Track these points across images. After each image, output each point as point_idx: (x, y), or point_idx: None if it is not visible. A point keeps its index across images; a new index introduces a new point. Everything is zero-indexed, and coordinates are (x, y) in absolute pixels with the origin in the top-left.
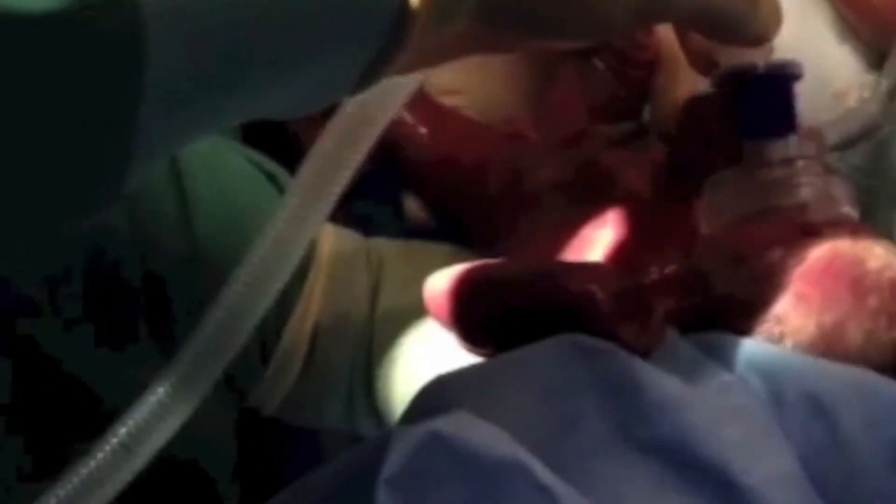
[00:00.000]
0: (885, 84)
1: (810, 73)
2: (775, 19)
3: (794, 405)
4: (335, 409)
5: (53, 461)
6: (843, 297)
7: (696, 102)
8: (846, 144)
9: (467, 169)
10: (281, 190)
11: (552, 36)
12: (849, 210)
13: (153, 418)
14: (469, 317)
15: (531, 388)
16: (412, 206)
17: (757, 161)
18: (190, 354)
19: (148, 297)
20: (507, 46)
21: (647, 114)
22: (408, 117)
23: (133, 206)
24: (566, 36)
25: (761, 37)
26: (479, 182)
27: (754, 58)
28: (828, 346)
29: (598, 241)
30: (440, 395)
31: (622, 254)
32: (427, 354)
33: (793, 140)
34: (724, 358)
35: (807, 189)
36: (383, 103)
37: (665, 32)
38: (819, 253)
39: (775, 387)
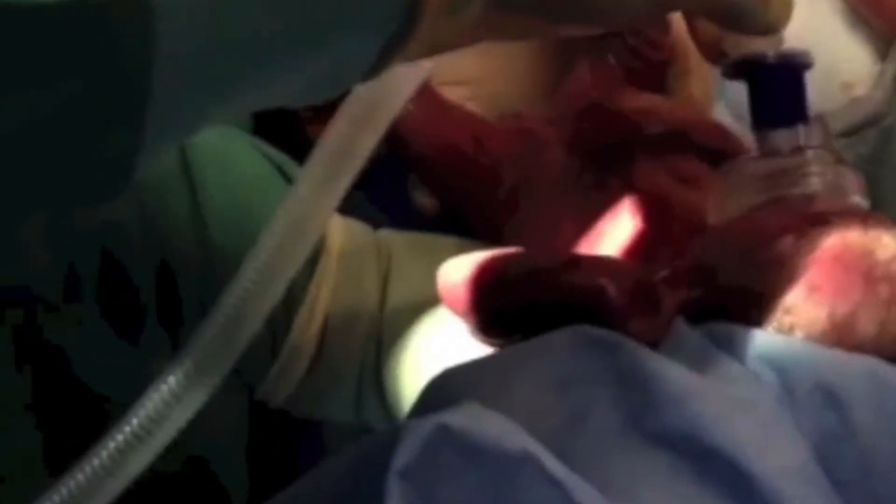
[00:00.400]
0: (891, 72)
1: (818, 64)
2: (786, 8)
3: (806, 396)
4: (344, 401)
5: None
6: (854, 288)
7: None
8: (852, 132)
9: (476, 166)
10: (290, 180)
11: (567, 22)
12: (859, 199)
13: (164, 409)
14: (482, 307)
15: (541, 380)
16: (421, 197)
17: (767, 151)
18: (200, 345)
19: (159, 291)
20: (521, 33)
21: None
22: (414, 113)
23: (143, 200)
24: (581, 22)
25: (772, 26)
26: (490, 179)
27: (764, 47)
28: (839, 336)
29: (608, 233)
30: (450, 387)
31: (633, 246)
32: (437, 346)
33: (803, 129)
34: (734, 349)
35: (816, 179)
36: (394, 91)
37: (680, 30)
38: (829, 243)
39: (786, 378)
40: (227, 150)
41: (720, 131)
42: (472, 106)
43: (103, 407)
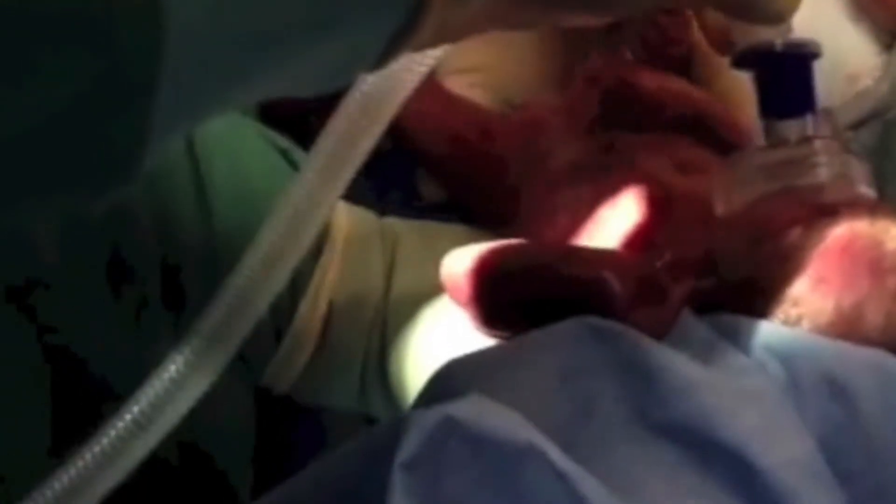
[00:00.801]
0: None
1: (823, 56)
2: None
3: (813, 388)
4: (348, 388)
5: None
6: (861, 279)
7: None
8: (858, 125)
9: (482, 156)
10: (295, 167)
11: (573, 10)
12: (866, 190)
13: (166, 396)
14: (484, 299)
15: (547, 372)
16: (426, 185)
17: (774, 140)
18: (203, 331)
19: (164, 276)
20: (531, 21)
21: None
22: (420, 105)
23: (151, 187)
24: (587, 9)
25: (779, 15)
26: (496, 170)
27: (772, 36)
28: (847, 328)
29: (614, 223)
30: (455, 378)
31: (638, 236)
32: (441, 336)
33: (810, 119)
34: (740, 340)
35: (824, 169)
36: (401, 80)
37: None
38: (837, 234)
39: (793, 369)
40: (232, 137)
41: (733, 121)
42: (479, 93)
43: (105, 394)
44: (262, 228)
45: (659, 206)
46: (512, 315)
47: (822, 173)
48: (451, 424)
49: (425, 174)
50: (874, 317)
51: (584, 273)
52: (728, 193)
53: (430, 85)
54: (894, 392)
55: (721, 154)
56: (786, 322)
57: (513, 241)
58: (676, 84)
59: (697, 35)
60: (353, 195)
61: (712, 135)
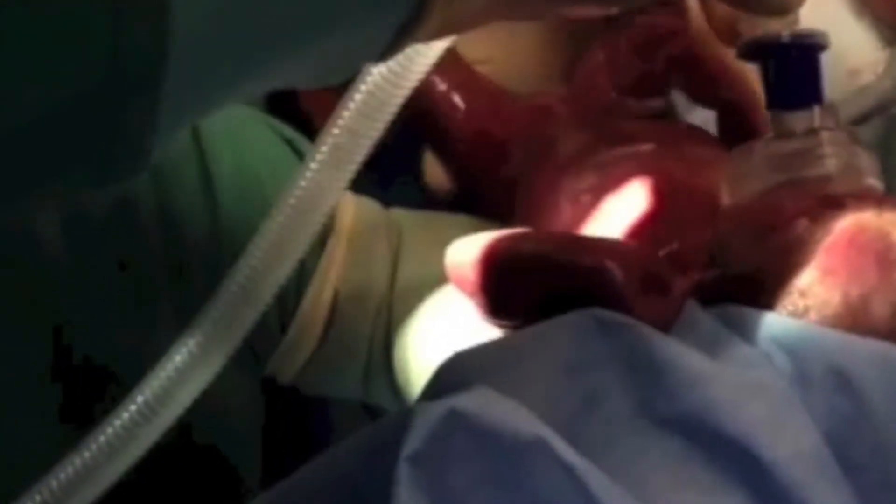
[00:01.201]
0: None
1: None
2: None
3: (819, 380)
4: (353, 379)
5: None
6: (868, 271)
7: None
8: (860, 120)
9: (497, 140)
10: (301, 157)
11: (578, 1)
12: (874, 181)
13: (171, 385)
14: (490, 289)
15: (552, 364)
16: (433, 174)
17: (781, 132)
18: (209, 321)
19: (170, 265)
20: (537, 12)
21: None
22: (441, 83)
23: (157, 176)
24: (591, 1)
25: (786, 6)
26: (504, 156)
27: (779, 28)
28: (853, 320)
29: (619, 214)
30: (460, 370)
31: (643, 228)
32: (446, 326)
33: (817, 110)
34: (746, 332)
35: (831, 160)
36: (407, 72)
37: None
38: (844, 226)
39: (799, 361)
40: (238, 126)
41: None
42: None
43: (107, 383)
44: (268, 218)
45: (664, 198)
46: (519, 305)
47: (830, 164)
48: (457, 417)
49: (433, 161)
50: (881, 309)
51: (586, 262)
52: (734, 185)
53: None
54: None
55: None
56: (792, 314)
57: (519, 230)
58: (737, 66)
59: (697, 28)
60: (358, 185)
61: (744, 126)
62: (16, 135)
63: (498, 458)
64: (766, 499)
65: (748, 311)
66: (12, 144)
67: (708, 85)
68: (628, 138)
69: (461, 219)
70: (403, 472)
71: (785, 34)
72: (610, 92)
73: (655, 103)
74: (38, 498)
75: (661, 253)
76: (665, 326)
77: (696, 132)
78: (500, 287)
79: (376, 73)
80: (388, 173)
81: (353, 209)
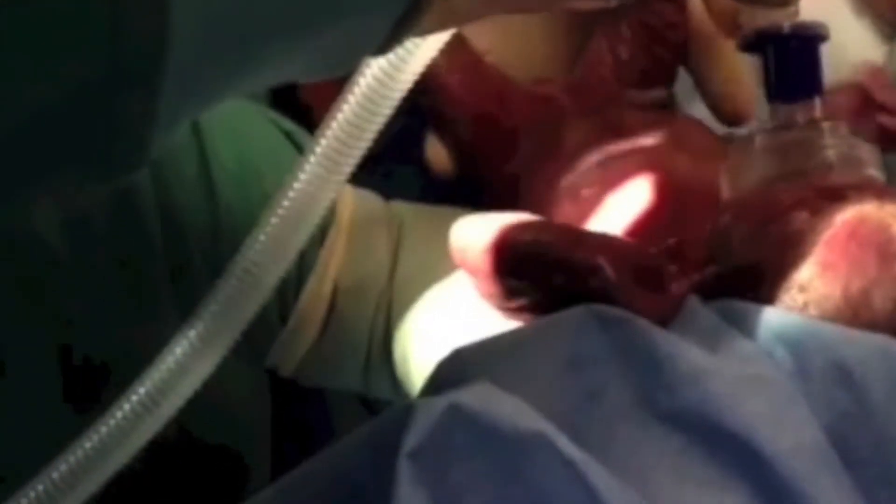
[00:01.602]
0: None
1: (827, 47)
2: None
3: (820, 374)
4: (353, 370)
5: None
6: (869, 265)
7: None
8: None
9: (501, 125)
10: (300, 150)
11: None
12: (875, 172)
13: (172, 377)
14: (493, 274)
15: (553, 360)
16: (436, 160)
17: (781, 123)
18: (209, 313)
19: (171, 265)
20: (535, 5)
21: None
22: (446, 67)
23: (157, 169)
24: None
25: None
26: (509, 143)
27: (780, 19)
28: (854, 313)
29: (621, 208)
30: (461, 366)
31: (644, 224)
32: (447, 318)
33: (818, 102)
34: (747, 327)
35: (832, 151)
36: (407, 65)
37: (699, 9)
38: (844, 219)
39: (800, 355)
40: (237, 119)
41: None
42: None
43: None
44: (267, 211)
45: (666, 192)
46: (521, 292)
47: (830, 155)
48: (458, 413)
49: (436, 146)
50: (882, 302)
51: (580, 257)
52: (734, 177)
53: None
54: None
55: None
56: (792, 308)
57: (523, 216)
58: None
59: (697, 20)
60: (359, 174)
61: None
62: (16, 131)
63: (499, 453)
64: (766, 492)
65: (748, 306)
66: (12, 140)
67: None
68: (631, 130)
69: (462, 212)
70: (404, 467)
71: (785, 25)
72: (612, 82)
73: (657, 94)
74: (40, 488)
75: (662, 248)
76: (661, 322)
77: (697, 125)
78: (503, 274)
79: (376, 66)
80: (388, 162)
81: (353, 202)
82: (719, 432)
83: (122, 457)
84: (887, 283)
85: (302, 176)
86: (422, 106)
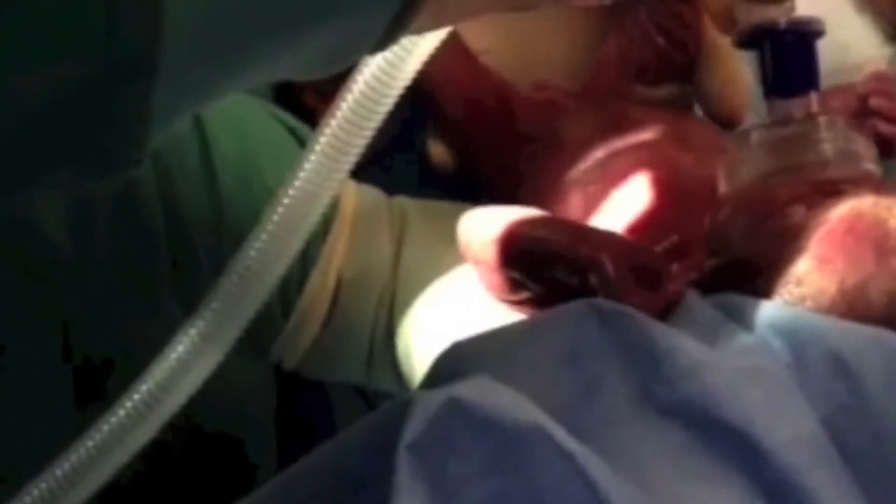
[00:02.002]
0: None
1: (829, 45)
2: None
3: (817, 365)
4: (356, 364)
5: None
6: (865, 259)
7: None
8: None
9: (498, 125)
10: (303, 145)
11: None
12: (872, 166)
13: (174, 375)
14: (495, 266)
15: (552, 353)
16: (435, 148)
17: (778, 118)
18: (211, 311)
19: (174, 259)
20: (531, 3)
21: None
22: (443, 64)
23: (159, 163)
24: None
25: None
26: (511, 141)
27: (776, 15)
28: (850, 307)
29: (625, 204)
30: (460, 360)
31: (646, 221)
32: (449, 312)
33: (814, 96)
34: (744, 320)
35: (829, 145)
36: (404, 62)
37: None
38: (841, 214)
39: (797, 348)
40: (238, 110)
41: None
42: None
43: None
44: (270, 206)
45: (668, 188)
46: (531, 284)
47: (827, 150)
48: (456, 406)
49: (435, 138)
50: (878, 296)
51: (582, 253)
52: (732, 172)
53: (455, 43)
54: None
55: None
56: (790, 301)
57: (529, 212)
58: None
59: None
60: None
61: None
62: (13, 129)
63: (497, 445)
64: (764, 484)
65: (746, 300)
66: (9, 138)
67: None
68: (635, 125)
69: (464, 207)
70: (404, 459)
71: (782, 21)
72: (617, 79)
73: (667, 91)
74: (43, 486)
75: (664, 244)
76: (660, 317)
77: (703, 122)
78: (508, 266)
79: (374, 64)
80: (389, 150)
81: (355, 196)
82: (717, 424)
83: (124, 454)
84: (883, 277)
85: (303, 173)
86: (420, 102)
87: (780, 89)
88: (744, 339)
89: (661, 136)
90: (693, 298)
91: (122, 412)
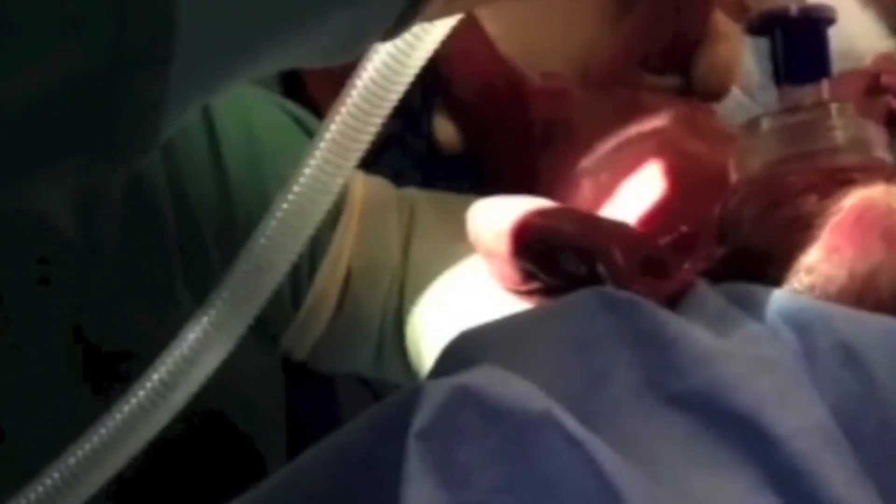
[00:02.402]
0: None
1: (833, 39)
2: None
3: (826, 354)
4: (365, 355)
5: None
6: (875, 248)
7: None
8: None
9: (508, 111)
10: (310, 135)
11: None
12: (883, 154)
13: (185, 365)
14: (505, 256)
15: (559, 342)
16: (444, 136)
17: (789, 106)
18: (221, 300)
19: (184, 244)
20: None
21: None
22: (461, 50)
23: (167, 152)
24: None
25: None
26: (521, 128)
27: (787, 1)
28: (859, 296)
29: (637, 193)
30: (468, 348)
31: (658, 211)
32: (459, 302)
33: (825, 84)
34: (754, 309)
35: (840, 132)
36: (414, 50)
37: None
38: (851, 202)
39: (806, 336)
40: (245, 99)
41: None
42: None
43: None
44: (278, 196)
45: (677, 179)
46: (541, 274)
47: (838, 137)
48: (465, 394)
49: (445, 118)
50: (887, 285)
51: (593, 244)
52: (742, 159)
53: (475, 29)
54: None
55: None
56: (799, 290)
57: (539, 201)
58: None
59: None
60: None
61: None
62: (24, 116)
63: (506, 433)
64: (774, 473)
65: (755, 288)
66: (21, 125)
67: None
68: (646, 112)
69: (474, 198)
70: (412, 447)
71: (793, 8)
72: (627, 68)
73: (671, 81)
74: (56, 475)
75: (675, 233)
76: (674, 303)
77: (713, 110)
78: (518, 256)
79: (384, 51)
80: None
81: (365, 187)
82: (727, 414)
83: (136, 444)
84: (892, 266)
85: (312, 161)
86: (432, 84)
87: (791, 76)
88: (753, 327)
89: (671, 123)
90: (702, 287)
91: (133, 401)
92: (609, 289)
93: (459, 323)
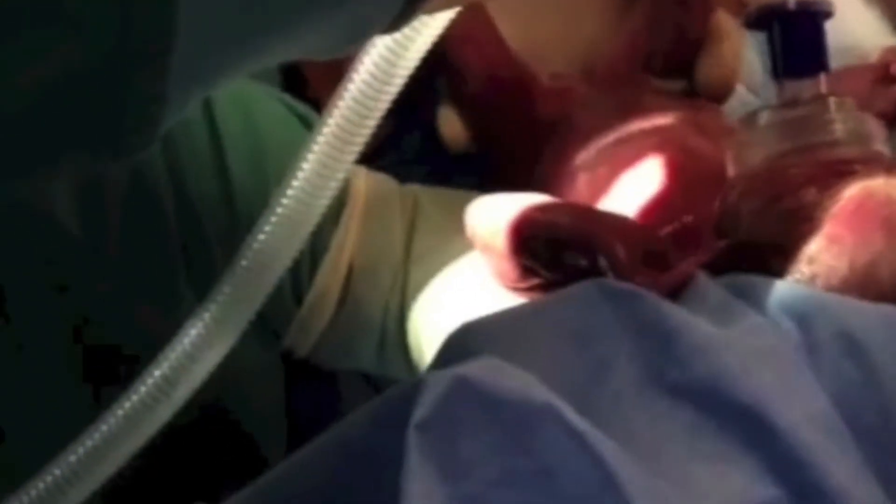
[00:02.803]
0: None
1: (836, 37)
2: None
3: (827, 344)
4: (367, 350)
5: None
6: (875, 238)
7: None
8: None
9: (520, 111)
10: (310, 128)
11: None
12: (882, 147)
13: (187, 360)
14: (504, 253)
15: (560, 334)
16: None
17: (788, 100)
18: (223, 295)
19: (185, 239)
20: None
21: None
22: (471, 43)
23: (168, 147)
24: None
25: None
26: (527, 120)
27: None
28: (860, 286)
29: (636, 187)
30: (469, 340)
31: (658, 204)
32: (460, 298)
33: (823, 77)
34: (755, 299)
35: (839, 126)
36: (413, 42)
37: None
38: (851, 193)
39: (807, 327)
40: (247, 96)
41: None
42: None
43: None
44: (278, 191)
45: (677, 172)
46: (541, 270)
47: (837, 130)
48: (465, 385)
49: (449, 117)
50: (888, 275)
51: (594, 239)
52: (741, 154)
53: (485, 23)
54: None
55: None
56: (800, 281)
57: (538, 197)
58: None
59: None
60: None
61: None
62: (26, 109)
63: (506, 425)
64: (776, 464)
65: (756, 279)
66: (23, 119)
67: None
68: (647, 110)
69: (476, 194)
70: (413, 439)
71: (791, 1)
72: (630, 70)
73: (677, 85)
74: (57, 472)
75: (675, 226)
76: (676, 295)
77: (715, 109)
78: (517, 253)
79: (381, 45)
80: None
81: (367, 183)
82: (728, 405)
83: (136, 441)
84: (893, 256)
85: (311, 155)
86: (437, 78)
87: (790, 70)
88: (754, 318)
89: (673, 120)
90: (703, 279)
91: (135, 397)
92: (610, 280)
93: (457, 321)
